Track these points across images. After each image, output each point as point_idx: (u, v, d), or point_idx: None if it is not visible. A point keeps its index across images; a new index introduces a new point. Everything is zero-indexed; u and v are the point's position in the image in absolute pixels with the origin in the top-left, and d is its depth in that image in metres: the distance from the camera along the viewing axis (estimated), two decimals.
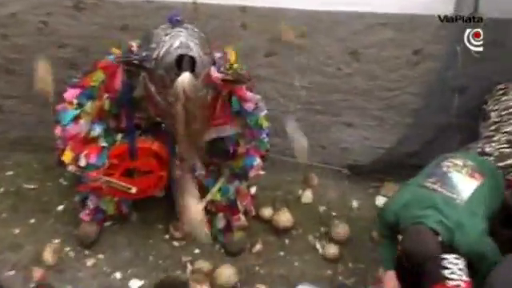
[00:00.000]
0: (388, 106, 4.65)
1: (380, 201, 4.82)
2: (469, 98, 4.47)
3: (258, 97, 4.04)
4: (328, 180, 4.97)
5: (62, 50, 4.46)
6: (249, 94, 3.95)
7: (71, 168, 4.03)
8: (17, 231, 4.51)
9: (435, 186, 3.85)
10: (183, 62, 3.48)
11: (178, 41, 3.56)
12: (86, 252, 4.46)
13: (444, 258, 3.56)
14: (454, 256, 3.58)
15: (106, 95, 3.91)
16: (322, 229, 4.71)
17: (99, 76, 3.90)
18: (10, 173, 4.83)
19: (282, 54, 4.44)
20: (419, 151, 4.56)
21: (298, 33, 4.36)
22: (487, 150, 4.17)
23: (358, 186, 4.94)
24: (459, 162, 3.97)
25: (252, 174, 4.25)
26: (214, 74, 3.70)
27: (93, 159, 3.99)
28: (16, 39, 4.45)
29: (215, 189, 4.23)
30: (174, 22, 3.66)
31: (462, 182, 3.89)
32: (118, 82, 3.82)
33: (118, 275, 4.38)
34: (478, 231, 3.73)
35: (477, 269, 3.68)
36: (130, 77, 3.77)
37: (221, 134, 3.97)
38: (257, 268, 4.51)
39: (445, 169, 3.94)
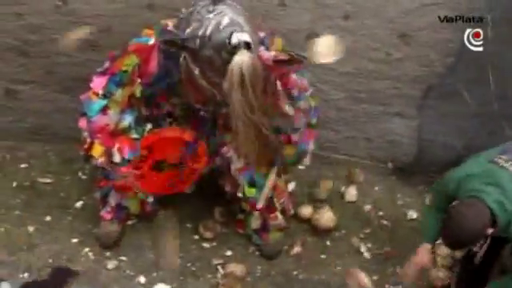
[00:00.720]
0: (442, 95, 4.44)
1: None
2: None
3: (304, 80, 3.79)
4: (374, 176, 4.77)
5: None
6: (292, 78, 3.70)
7: (102, 163, 3.80)
8: (31, 230, 4.32)
9: (506, 164, 3.69)
10: (237, 41, 3.21)
11: (226, 18, 3.30)
12: (107, 253, 4.27)
13: None
14: None
15: (138, 81, 3.68)
16: (368, 230, 4.52)
17: (133, 60, 3.66)
18: (24, 165, 4.65)
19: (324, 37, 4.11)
20: (478, 144, 4.30)
21: (341, 14, 4.15)
22: None
23: (406, 182, 4.74)
24: None
25: (307, 161, 4.02)
26: (265, 54, 3.45)
27: (126, 153, 3.77)
28: (31, 18, 4.25)
29: (269, 182, 4.01)
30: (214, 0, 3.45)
31: None
32: (154, 64, 3.61)
33: (141, 279, 4.19)
34: None
35: None
36: (167, 59, 3.55)
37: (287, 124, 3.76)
38: (295, 273, 4.31)
39: None
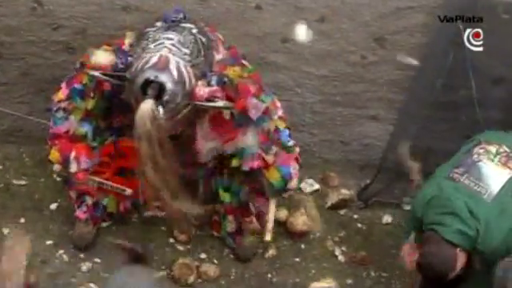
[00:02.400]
0: (415, 99, 4.49)
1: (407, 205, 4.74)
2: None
3: (267, 103, 3.88)
4: (349, 179, 4.84)
5: (57, 33, 4.34)
6: (249, 101, 3.76)
7: (57, 168, 3.99)
8: (5, 231, 4.39)
9: (462, 178, 3.78)
10: (149, 88, 3.40)
11: (157, 55, 3.48)
12: (81, 255, 4.37)
13: None
14: None
15: (91, 94, 3.85)
16: (343, 233, 4.61)
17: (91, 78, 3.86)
18: None
19: (299, 40, 4.32)
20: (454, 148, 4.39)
21: (317, 17, 4.22)
22: None
23: (383, 186, 4.77)
24: (492, 149, 3.92)
25: (293, 183, 4.08)
26: (200, 91, 3.59)
27: (82, 161, 3.94)
28: (7, 20, 4.30)
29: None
30: (169, 22, 3.62)
31: (493, 172, 3.82)
32: (108, 84, 3.76)
33: None
34: (505, 232, 3.67)
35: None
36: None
37: (239, 146, 3.82)
38: (269, 276, 4.43)
39: (475, 157, 3.87)
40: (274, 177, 3.97)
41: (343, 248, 4.53)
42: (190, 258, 4.36)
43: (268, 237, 4.10)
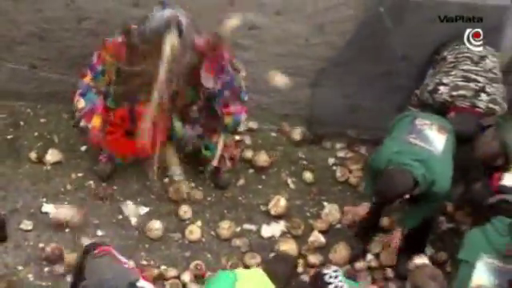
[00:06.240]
0: (348, 71, 5.54)
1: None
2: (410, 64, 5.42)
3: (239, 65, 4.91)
4: (297, 128, 5.87)
5: (85, 22, 5.33)
6: (226, 56, 4.72)
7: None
8: (49, 168, 5.53)
9: (417, 142, 4.65)
10: (171, 24, 4.24)
11: (166, 10, 4.36)
12: (104, 184, 5.46)
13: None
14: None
15: (114, 65, 4.69)
16: (293, 168, 5.70)
17: (111, 62, 4.70)
18: (43, 120, 5.75)
19: (262, 28, 5.31)
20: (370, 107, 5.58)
21: (274, 10, 5.25)
22: (444, 81, 5.06)
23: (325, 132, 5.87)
24: (427, 121, 4.78)
25: (242, 128, 5.14)
26: (199, 41, 4.54)
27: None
28: (47, 12, 5.29)
29: (219, 146, 5.15)
30: (164, 5, 4.45)
31: (435, 137, 4.69)
32: (123, 55, 4.62)
33: (128, 203, 5.42)
34: (450, 179, 4.64)
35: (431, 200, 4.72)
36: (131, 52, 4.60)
37: (206, 82, 4.73)
38: (240, 198, 5.54)
39: (419, 127, 4.73)
40: (228, 122, 5.00)
41: (293, 179, 5.61)
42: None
43: (215, 162, 5.14)
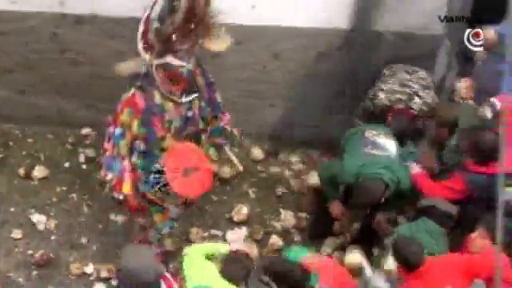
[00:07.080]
0: (299, 93, 6.12)
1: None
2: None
3: None
4: (263, 145, 6.43)
5: (67, 53, 5.87)
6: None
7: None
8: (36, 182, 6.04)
9: (374, 151, 5.09)
10: None
11: None
12: None
13: None
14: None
15: (135, 122, 4.82)
16: (254, 179, 6.25)
17: (128, 114, 4.84)
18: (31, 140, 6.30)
19: (225, 56, 5.73)
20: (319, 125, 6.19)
21: (237, 41, 5.57)
22: (383, 87, 5.69)
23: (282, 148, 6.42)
24: (374, 131, 5.24)
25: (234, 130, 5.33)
26: None
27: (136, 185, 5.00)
28: (33, 45, 5.81)
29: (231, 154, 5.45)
30: None
31: (386, 142, 5.16)
32: (142, 103, 4.84)
33: None
34: (408, 175, 5.13)
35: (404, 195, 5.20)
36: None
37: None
38: (207, 207, 6.05)
39: (371, 138, 5.16)
40: (216, 126, 5.25)
41: (253, 189, 6.12)
42: None
43: (240, 168, 5.50)
